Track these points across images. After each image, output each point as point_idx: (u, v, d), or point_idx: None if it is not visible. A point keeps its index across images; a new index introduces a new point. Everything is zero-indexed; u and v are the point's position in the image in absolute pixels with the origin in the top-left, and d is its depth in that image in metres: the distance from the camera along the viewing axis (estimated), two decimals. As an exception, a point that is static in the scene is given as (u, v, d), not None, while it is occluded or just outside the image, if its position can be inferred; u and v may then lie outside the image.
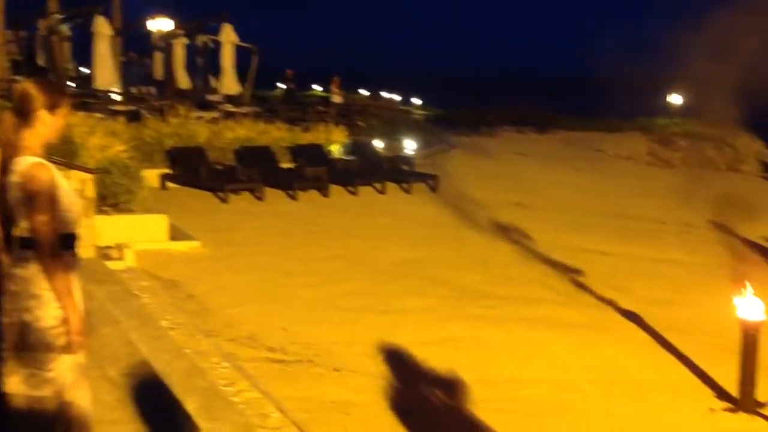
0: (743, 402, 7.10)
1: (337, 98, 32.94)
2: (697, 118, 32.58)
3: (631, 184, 22.75)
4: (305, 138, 19.88)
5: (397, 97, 46.62)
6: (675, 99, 36.12)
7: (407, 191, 17.93)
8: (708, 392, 7.50)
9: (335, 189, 17.15)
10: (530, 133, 33.67)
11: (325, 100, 34.87)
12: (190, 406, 5.66)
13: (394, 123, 27.81)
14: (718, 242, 14.23)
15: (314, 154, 18.57)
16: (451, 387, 7.20)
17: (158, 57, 26.47)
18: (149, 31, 27.94)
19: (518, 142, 31.07)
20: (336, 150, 19.64)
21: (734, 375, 7.15)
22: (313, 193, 16.88)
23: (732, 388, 7.22)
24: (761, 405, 7.08)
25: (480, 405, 6.88)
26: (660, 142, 31.86)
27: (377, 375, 7.41)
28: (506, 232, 13.99)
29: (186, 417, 5.53)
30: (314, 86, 46.48)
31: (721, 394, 7.41)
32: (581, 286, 10.99)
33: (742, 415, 7.01)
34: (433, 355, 7.91)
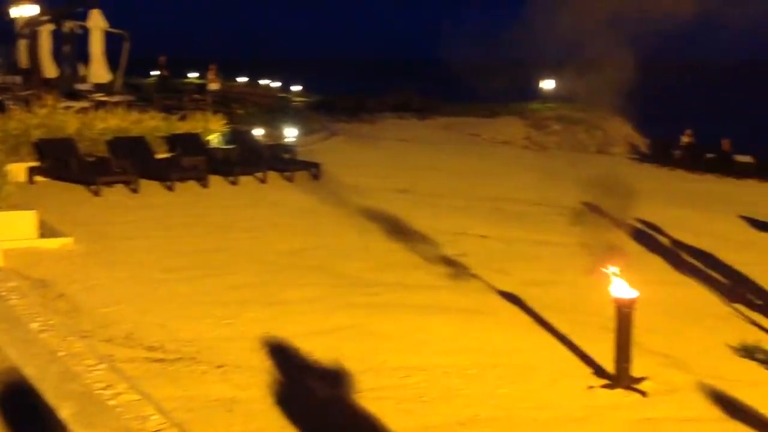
0: (619, 378, 7.35)
1: (213, 85, 32.23)
2: (569, 102, 33.74)
3: (509, 168, 23.28)
4: (182, 127, 19.33)
5: (276, 84, 46.07)
6: (547, 84, 37.21)
7: (289, 180, 17.73)
8: (587, 370, 7.73)
9: (214, 179, 16.76)
10: (411, 119, 33.99)
11: (201, 88, 34.07)
12: (64, 412, 5.38)
13: (274, 110, 27.48)
14: (593, 223, 14.72)
15: (191, 143, 18.07)
16: (338, 378, 7.14)
17: (23, 45, 25.11)
18: (12, 18, 26.45)
19: (399, 128, 31.30)
20: (214, 139, 19.18)
21: (611, 352, 7.39)
22: (192, 184, 16.45)
23: (609, 365, 7.46)
24: (637, 380, 7.35)
25: (367, 394, 6.85)
26: (535, 126, 32.82)
27: (262, 370, 7.27)
28: (389, 218, 14.02)
29: (59, 424, 5.25)
30: (190, 74, 45.32)
31: (599, 371, 7.65)
32: (463, 270, 11.13)
33: (618, 391, 7.26)
34: (320, 345, 7.83)
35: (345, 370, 7.26)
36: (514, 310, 9.51)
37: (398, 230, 13.19)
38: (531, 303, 9.62)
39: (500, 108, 34.42)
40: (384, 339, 8.26)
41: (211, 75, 32.86)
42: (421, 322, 8.82)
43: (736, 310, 10.27)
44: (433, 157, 23.74)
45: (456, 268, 11.26)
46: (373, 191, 16.64)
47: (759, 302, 10.56)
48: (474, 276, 10.87)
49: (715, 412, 7.00)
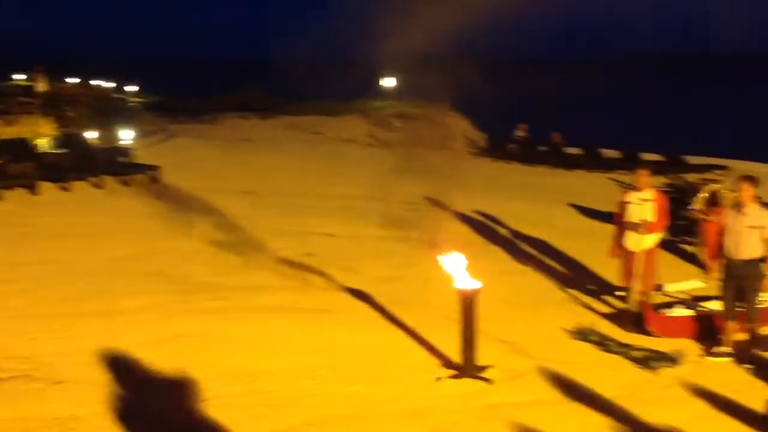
0: (465, 368, 7.52)
1: (41, 87, 30.57)
2: (410, 99, 34.36)
3: (353, 166, 23.40)
4: (8, 132, 18.25)
5: (110, 84, 44.24)
6: (388, 81, 37.75)
7: (127, 184, 17.05)
8: (435, 362, 7.86)
9: (45, 186, 15.89)
10: (254, 119, 33.58)
11: (28, 90, 32.21)
12: None
13: (108, 112, 26.35)
14: (437, 217, 15.02)
15: (19, 148, 17.05)
16: (182, 387, 6.90)
17: None
18: None
19: (242, 128, 30.85)
20: (44, 143, 18.16)
21: (458, 343, 7.54)
22: (20, 192, 15.51)
23: (456, 355, 7.61)
24: (482, 369, 7.54)
25: (213, 402, 6.66)
26: (378, 123, 33.17)
27: (102, 384, 6.92)
28: (234, 220, 13.75)
29: None
30: (15, 75, 42.77)
31: (447, 362, 7.79)
32: (311, 270, 11.06)
33: (465, 380, 7.42)
34: (162, 355, 7.54)
35: (189, 379, 7.02)
36: (364, 307, 9.54)
37: (242, 232, 12.96)
38: (380, 299, 9.68)
39: (343, 106, 34.60)
40: (230, 344, 8.06)
41: (37, 76, 31.17)
42: (269, 325, 8.68)
43: (570, 295, 10.75)
44: (276, 157, 23.54)
45: (303, 267, 11.18)
46: (216, 193, 16.26)
47: (592, 287, 11.11)
48: (322, 275, 10.83)
49: (555, 395, 7.28)
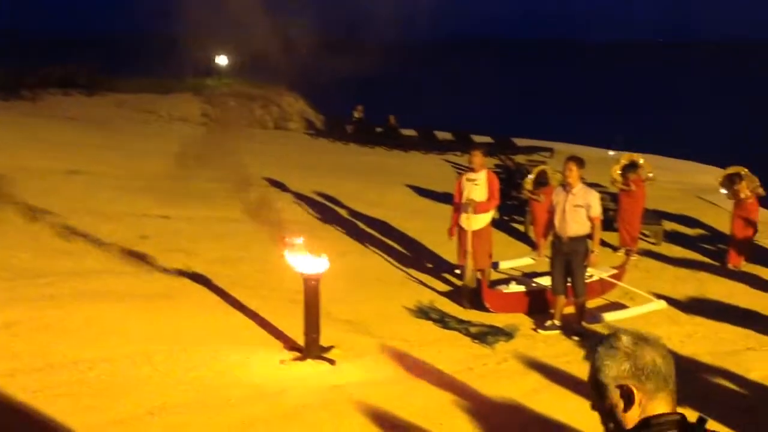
0: (309, 349, 7.49)
1: None
2: (244, 78, 33.78)
3: (186, 146, 22.72)
4: None
5: None
6: (221, 60, 36.95)
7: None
8: (279, 345, 7.79)
9: None
10: (79, 96, 31.85)
11: None
12: None
13: None
14: (276, 198, 14.89)
15: None
16: (8, 379, 6.45)
17: None
18: None
19: (66, 106, 29.20)
20: None
21: (301, 325, 7.49)
22: None
23: (300, 337, 7.56)
24: (326, 350, 7.54)
25: (43, 393, 6.28)
26: (212, 102, 32.39)
27: None
28: (60, 202, 13.00)
29: None
30: None
31: (291, 344, 7.74)
32: (146, 254, 10.65)
33: (309, 362, 7.40)
34: (-14, 347, 7.03)
35: (16, 370, 6.59)
36: (203, 290, 9.30)
37: (71, 214, 12.26)
38: (219, 282, 9.47)
39: (175, 84, 33.49)
40: (61, 332, 7.62)
41: None
42: (102, 311, 8.27)
43: (410, 274, 10.97)
44: (106, 137, 22.47)
45: (138, 251, 10.75)
46: (41, 173, 15.32)
47: (430, 266, 11.38)
48: (158, 258, 10.45)
49: (398, 373, 7.41)
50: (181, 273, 9.91)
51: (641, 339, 2.18)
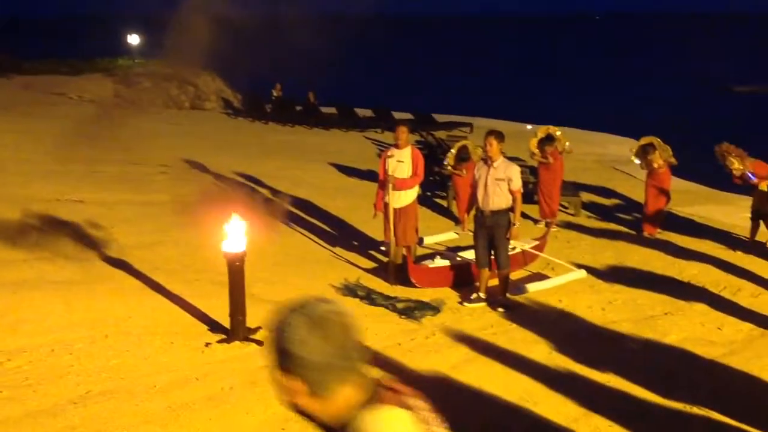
0: (235, 331, 7.39)
1: None
2: (158, 57, 32.95)
3: (99, 128, 22.08)
4: None
5: None
6: (134, 39, 36.01)
7: None
8: (203, 328, 7.66)
9: None
10: (-20, 79, 30.62)
11: None
12: None
13: None
14: (194, 180, 14.62)
15: None
16: None
17: None
18: None
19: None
20: None
21: (226, 307, 7.38)
22: None
23: (226, 320, 7.45)
24: (253, 331, 7.45)
25: (-41, 389, 6.04)
26: (125, 83, 31.52)
27: None
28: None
29: None
30: None
31: (216, 327, 7.62)
32: (61, 240, 10.30)
33: (235, 344, 7.30)
34: None
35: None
36: (123, 276, 9.07)
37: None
38: (140, 267, 9.25)
39: (85, 65, 32.49)
40: (-25, 324, 7.33)
41: None
42: (18, 300, 7.99)
43: (335, 252, 10.93)
44: (12, 120, 21.67)
45: (53, 237, 10.38)
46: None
47: (355, 243, 11.36)
48: (74, 244, 10.13)
49: (327, 351, 7.37)
50: (99, 258, 9.64)
51: (319, 321, 1.97)
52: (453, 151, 13.29)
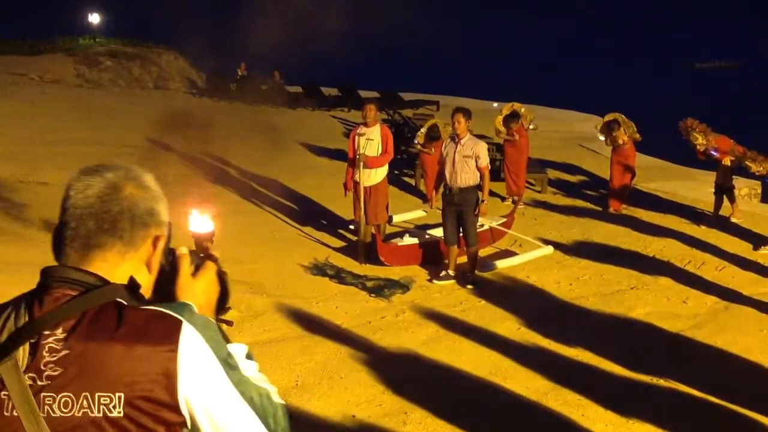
0: (206, 312, 7.35)
1: None
2: (121, 36, 32.50)
3: (63, 108, 21.77)
4: None
5: None
6: (94, 18, 35.39)
7: None
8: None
9: None
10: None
11: None
12: None
13: None
14: (160, 159, 14.46)
15: None
16: None
17: None
18: None
19: None
20: None
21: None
22: None
23: (194, 300, 7.40)
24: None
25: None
26: (86, 63, 31.03)
27: None
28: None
29: None
30: None
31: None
32: (26, 222, 10.18)
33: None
34: None
35: None
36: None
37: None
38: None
39: (45, 45, 31.86)
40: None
41: None
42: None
43: (304, 232, 10.91)
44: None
45: (20, 220, 10.26)
46: None
47: (324, 222, 11.34)
48: (38, 226, 9.99)
49: (297, 330, 7.38)
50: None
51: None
52: (423, 130, 13.29)
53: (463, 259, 9.11)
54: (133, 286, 1.62)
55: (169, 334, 1.51)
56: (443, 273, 9.00)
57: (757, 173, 10.18)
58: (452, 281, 8.90)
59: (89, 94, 26.85)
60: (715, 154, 11.17)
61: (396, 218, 11.36)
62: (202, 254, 1.83)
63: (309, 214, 11.78)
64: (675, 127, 11.49)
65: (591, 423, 5.54)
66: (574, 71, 38.65)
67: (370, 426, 5.57)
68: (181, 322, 1.53)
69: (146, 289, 1.68)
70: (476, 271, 8.98)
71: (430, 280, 8.99)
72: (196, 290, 1.75)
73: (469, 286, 8.71)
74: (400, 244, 9.70)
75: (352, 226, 10.42)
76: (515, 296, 8.44)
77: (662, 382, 6.21)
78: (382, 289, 8.57)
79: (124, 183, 1.65)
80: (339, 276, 9.02)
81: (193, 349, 1.52)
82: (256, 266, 9.11)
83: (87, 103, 23.51)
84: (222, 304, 1.85)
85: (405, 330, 7.43)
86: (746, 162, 10.00)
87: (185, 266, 1.76)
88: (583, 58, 47.70)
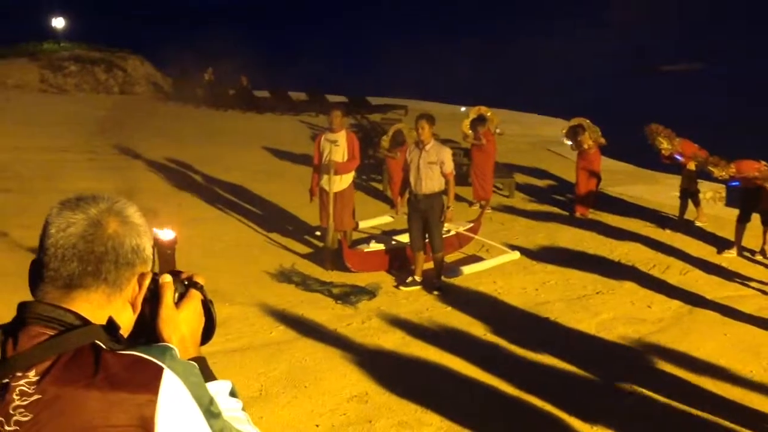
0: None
1: None
2: (86, 41, 32.13)
3: (27, 115, 21.47)
4: None
5: None
6: (59, 22, 34.95)
7: None
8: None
9: None
10: None
11: None
12: None
13: None
14: (124, 167, 14.29)
15: None
16: None
17: None
18: None
19: None
20: None
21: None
22: None
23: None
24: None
25: None
26: (50, 68, 30.64)
27: None
28: None
29: None
30: None
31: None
32: (-10, 231, 9.99)
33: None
34: None
35: None
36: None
37: None
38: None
39: (8, 50, 31.40)
40: None
41: None
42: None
43: (270, 238, 10.82)
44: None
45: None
46: None
47: (290, 228, 11.26)
48: (8, 236, 9.82)
49: (262, 338, 7.31)
50: (31, 250, 9.34)
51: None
52: (389, 135, 13.26)
53: (430, 264, 9.09)
54: (111, 327, 1.53)
55: (149, 381, 1.41)
56: (410, 279, 8.97)
57: (720, 178, 10.29)
58: (419, 287, 8.87)
59: (54, 99, 26.51)
60: (680, 158, 11.27)
61: (362, 224, 11.31)
62: (186, 281, 1.72)
63: (275, 220, 11.69)
64: (640, 131, 11.57)
65: (556, 429, 5.53)
66: (536, 74, 38.90)
67: (335, 436, 5.52)
68: (162, 369, 1.42)
69: (126, 329, 1.59)
70: (443, 277, 8.97)
71: (396, 287, 8.96)
72: (180, 321, 1.64)
73: (436, 292, 8.68)
74: (366, 250, 9.65)
75: (318, 233, 10.36)
76: (481, 302, 8.43)
77: (626, 386, 6.23)
78: (349, 295, 8.52)
79: (107, 220, 1.54)
80: (305, 283, 8.95)
81: (173, 398, 1.42)
82: (221, 273, 9.01)
83: (51, 108, 23.20)
84: (208, 335, 1.74)
85: (371, 337, 7.39)
86: (708, 167, 10.09)
87: (168, 296, 1.65)
88: (544, 60, 47.97)
